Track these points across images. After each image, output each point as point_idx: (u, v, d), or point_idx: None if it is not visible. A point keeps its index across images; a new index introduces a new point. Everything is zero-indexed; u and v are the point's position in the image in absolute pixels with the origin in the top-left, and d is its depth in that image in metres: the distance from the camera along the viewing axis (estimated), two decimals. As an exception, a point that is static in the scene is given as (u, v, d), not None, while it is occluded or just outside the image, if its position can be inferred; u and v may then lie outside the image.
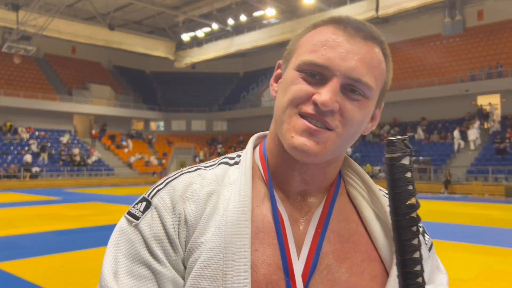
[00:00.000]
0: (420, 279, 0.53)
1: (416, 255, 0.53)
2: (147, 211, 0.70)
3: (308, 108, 0.66)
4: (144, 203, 0.71)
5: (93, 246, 7.22)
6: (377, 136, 27.38)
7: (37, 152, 27.33)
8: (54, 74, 34.26)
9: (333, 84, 0.65)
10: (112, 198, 17.53)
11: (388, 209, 0.64)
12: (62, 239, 8.31)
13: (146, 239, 0.68)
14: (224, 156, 0.81)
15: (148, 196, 0.72)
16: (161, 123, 38.27)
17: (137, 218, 0.70)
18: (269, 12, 27.53)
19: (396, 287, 0.63)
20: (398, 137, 0.55)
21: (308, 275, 0.68)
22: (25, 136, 28.78)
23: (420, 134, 25.03)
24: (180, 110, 37.28)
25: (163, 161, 32.32)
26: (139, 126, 37.37)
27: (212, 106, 37.67)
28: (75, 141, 30.65)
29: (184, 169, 0.76)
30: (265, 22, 30.28)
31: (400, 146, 0.54)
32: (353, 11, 23.81)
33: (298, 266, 0.68)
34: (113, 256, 0.68)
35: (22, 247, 7.51)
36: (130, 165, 30.19)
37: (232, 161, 0.78)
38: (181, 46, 33.62)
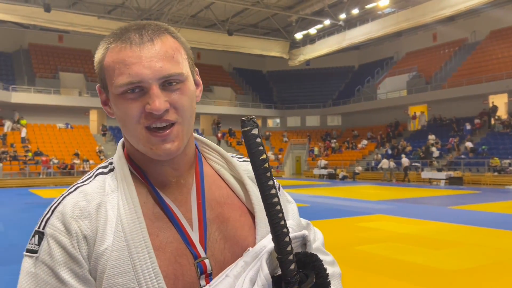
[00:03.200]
0: (278, 207, 0.72)
1: (273, 191, 0.73)
2: (42, 242, 0.76)
3: (148, 119, 0.77)
4: (36, 236, 0.77)
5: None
6: (507, 126, 24.99)
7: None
8: (182, 78, 37.86)
9: (153, 91, 0.76)
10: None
11: (241, 170, 0.92)
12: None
13: (51, 267, 0.74)
14: (98, 167, 0.88)
15: (39, 228, 0.78)
16: (277, 120, 39.78)
17: (35, 251, 0.76)
18: (382, 3, 26.88)
19: (263, 229, 0.85)
20: (247, 117, 0.74)
21: (204, 240, 0.82)
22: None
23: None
24: (295, 106, 38.32)
25: (279, 156, 33.69)
26: (257, 123, 39.34)
27: (326, 101, 37.93)
28: (201, 139, 33.58)
29: (64, 193, 0.82)
30: (379, 13, 29.60)
31: (249, 122, 0.73)
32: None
33: (194, 235, 0.82)
34: None
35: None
36: (250, 160, 32.12)
37: (106, 170, 0.86)
38: (294, 45, 34.53)
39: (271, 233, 0.73)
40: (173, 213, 0.83)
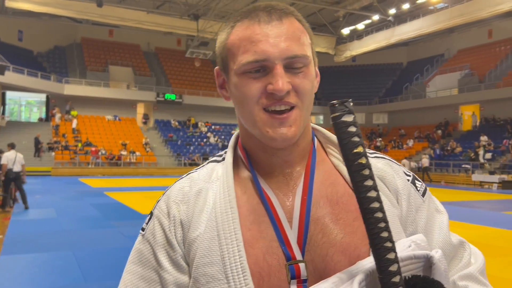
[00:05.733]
0: (379, 214, 0.60)
1: (371, 194, 0.60)
2: (150, 221, 0.81)
3: (268, 100, 0.73)
4: (149, 216, 0.83)
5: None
6: None
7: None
8: (227, 74, 38.25)
9: (277, 70, 0.72)
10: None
11: None
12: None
13: (152, 246, 0.78)
14: (215, 155, 0.90)
15: (153, 209, 0.83)
16: (321, 117, 39.29)
17: (143, 229, 0.82)
18: (435, -3, 25.86)
19: None
20: (338, 100, 0.63)
21: (303, 241, 0.74)
22: (204, 129, 32.96)
23: None
24: (339, 103, 37.58)
25: (323, 153, 33.28)
26: (300, 119, 39.08)
27: (372, 99, 37.05)
28: (244, 134, 33.85)
29: (179, 178, 0.86)
30: (431, 8, 28.51)
31: (340, 107, 0.62)
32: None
33: (292, 234, 0.74)
34: (127, 265, 0.81)
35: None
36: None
37: (220, 158, 0.86)
38: (340, 40, 33.85)
39: (370, 247, 0.61)
40: (271, 206, 0.76)
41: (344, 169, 0.81)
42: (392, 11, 28.30)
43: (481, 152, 24.38)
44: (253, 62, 0.73)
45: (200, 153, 29.31)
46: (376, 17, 29.52)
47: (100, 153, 26.31)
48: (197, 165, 24.11)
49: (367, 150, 0.84)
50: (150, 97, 32.02)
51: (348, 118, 0.61)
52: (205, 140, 31.78)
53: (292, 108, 0.74)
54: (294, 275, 0.72)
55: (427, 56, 36.32)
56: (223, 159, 0.85)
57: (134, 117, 32.59)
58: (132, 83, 32.84)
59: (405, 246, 0.69)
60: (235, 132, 0.88)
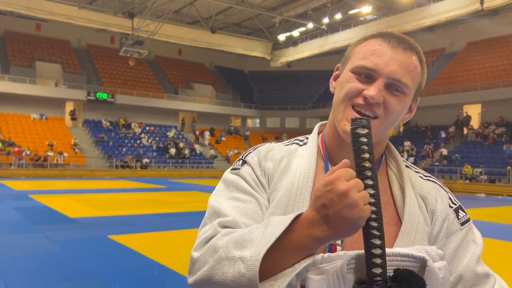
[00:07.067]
0: (371, 207, 0.72)
1: (369, 191, 0.72)
2: (244, 165, 1.00)
3: (359, 100, 0.89)
4: (241, 161, 1.02)
5: (189, 228, 8.26)
6: (480, 136, 25.68)
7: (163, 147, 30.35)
8: (162, 74, 37.52)
9: (379, 83, 0.87)
10: (210, 188, 18.98)
11: (407, 178, 0.96)
12: (164, 220, 9.60)
13: (246, 179, 0.97)
14: (295, 138, 1.10)
15: (243, 157, 1.03)
16: (257, 120, 39.79)
17: (237, 169, 1.00)
18: (365, 10, 27.24)
19: (403, 243, 0.88)
20: (358, 116, 0.81)
21: None
22: (138, 130, 32.06)
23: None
24: (275, 107, 38.37)
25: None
26: (237, 123, 39.30)
27: (305, 104, 38.16)
28: (180, 136, 33.37)
29: (270, 142, 1.08)
30: (361, 19, 29.97)
31: (357, 121, 0.76)
32: (455, 5, 22.57)
33: None
34: (218, 193, 0.98)
35: (132, 225, 8.91)
36: (227, 159, 32.05)
37: (301, 143, 1.07)
38: (277, 46, 34.57)
39: (362, 233, 0.74)
40: None
41: (393, 182, 0.98)
42: (326, 20, 29.38)
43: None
44: (364, 67, 0.89)
45: (133, 155, 28.47)
46: (310, 25, 30.50)
47: (24, 153, 24.69)
48: (129, 167, 22.95)
49: (424, 173, 1.04)
50: (80, 95, 30.59)
51: (361, 131, 0.76)
52: (138, 141, 30.95)
53: (375, 117, 0.88)
54: (331, 252, 0.87)
55: (358, 64, 38.01)
56: (304, 143, 1.06)
57: (63, 117, 30.95)
58: (61, 81, 31.19)
59: (413, 248, 0.80)
60: (320, 122, 1.09)
